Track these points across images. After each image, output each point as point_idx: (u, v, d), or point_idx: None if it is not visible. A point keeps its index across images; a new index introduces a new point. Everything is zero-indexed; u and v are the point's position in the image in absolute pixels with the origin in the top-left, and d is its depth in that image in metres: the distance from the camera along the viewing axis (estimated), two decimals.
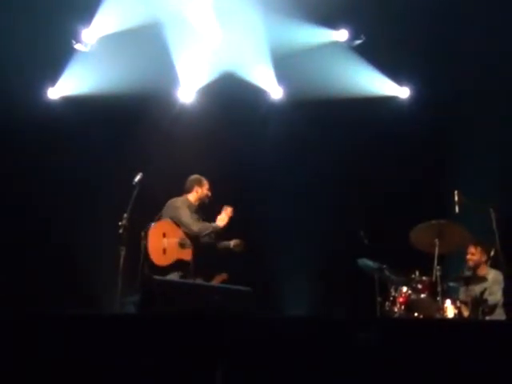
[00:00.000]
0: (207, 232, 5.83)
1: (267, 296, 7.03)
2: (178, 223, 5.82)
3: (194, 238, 5.82)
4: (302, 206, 7.76)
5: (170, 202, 5.97)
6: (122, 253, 5.47)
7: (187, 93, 7.97)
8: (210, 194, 6.13)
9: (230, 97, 7.78)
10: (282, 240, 7.55)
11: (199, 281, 7.01)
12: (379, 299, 6.12)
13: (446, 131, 7.68)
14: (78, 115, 7.59)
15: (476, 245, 6.24)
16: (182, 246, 5.77)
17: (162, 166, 7.34)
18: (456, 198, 5.83)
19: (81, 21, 7.33)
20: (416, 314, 5.78)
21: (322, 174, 7.83)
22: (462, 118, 7.54)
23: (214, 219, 6.03)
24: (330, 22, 7.73)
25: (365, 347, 3.58)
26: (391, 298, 6.00)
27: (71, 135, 7.55)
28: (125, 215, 5.64)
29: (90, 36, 7.44)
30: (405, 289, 5.94)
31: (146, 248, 5.60)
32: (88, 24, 7.36)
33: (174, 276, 5.67)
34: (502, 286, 6.01)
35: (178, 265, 5.71)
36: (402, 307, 5.84)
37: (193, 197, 6.08)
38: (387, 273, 6.19)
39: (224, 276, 7.28)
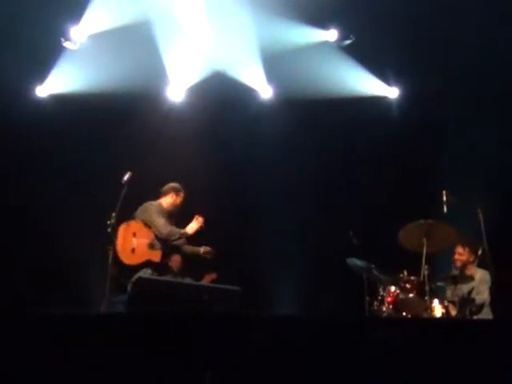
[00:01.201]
0: (175, 237, 5.82)
1: (256, 295, 7.04)
2: (149, 225, 5.82)
3: (163, 241, 5.83)
4: (291, 205, 7.77)
5: (144, 204, 5.96)
6: (111, 252, 5.48)
7: (177, 91, 7.96)
8: (180, 205, 6.13)
9: (220, 96, 7.78)
10: (271, 239, 7.56)
11: (188, 280, 7.04)
12: (368, 298, 6.14)
13: (435, 131, 7.72)
14: (66, 113, 7.55)
15: (464, 245, 6.28)
16: (151, 247, 5.77)
17: (151, 165, 7.32)
18: (444, 198, 5.86)
19: (70, 18, 7.30)
20: (404, 314, 5.80)
21: (311, 174, 7.85)
22: (451, 117, 7.59)
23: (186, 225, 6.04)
24: (320, 22, 7.75)
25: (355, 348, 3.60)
26: (380, 298, 6.02)
27: (59, 133, 7.50)
28: (113, 214, 5.63)
29: (79, 34, 7.40)
30: (393, 288, 5.97)
31: (114, 247, 5.59)
32: (77, 22, 7.33)
33: (143, 273, 5.63)
34: (488, 285, 6.06)
35: (147, 265, 5.70)
36: (391, 306, 5.86)
37: (166, 202, 6.09)
38: (376, 272, 6.21)
39: (213, 275, 7.31)
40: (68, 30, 7.37)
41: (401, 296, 5.90)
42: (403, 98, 8.11)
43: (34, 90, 7.74)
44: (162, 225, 5.81)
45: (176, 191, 6.11)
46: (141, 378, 3.38)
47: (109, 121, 7.63)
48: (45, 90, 7.76)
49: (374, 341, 3.70)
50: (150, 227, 5.84)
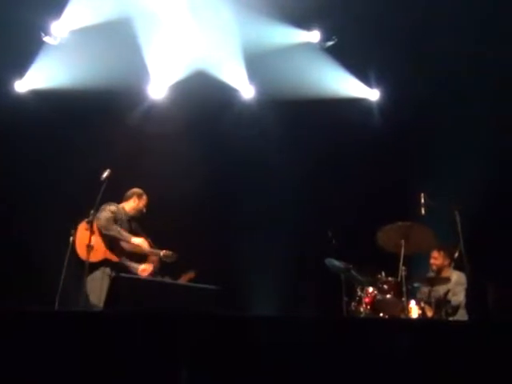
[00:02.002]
0: (112, 233, 5.77)
1: (234, 295, 7.03)
2: None
3: (121, 240, 5.82)
4: (270, 205, 7.77)
5: (106, 203, 5.94)
6: (89, 249, 5.46)
7: (158, 89, 7.91)
8: (144, 210, 6.17)
9: (202, 94, 7.75)
10: (249, 239, 7.55)
11: (167, 279, 7.01)
12: (346, 299, 6.17)
13: (415, 133, 7.78)
14: (46, 109, 7.47)
15: (439, 249, 6.39)
16: (109, 246, 5.78)
17: (130, 163, 7.28)
18: (422, 200, 5.92)
19: (50, 13, 7.21)
20: (381, 314, 5.84)
21: (291, 174, 7.87)
22: (430, 120, 7.67)
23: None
24: (303, 23, 7.77)
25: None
26: (357, 298, 6.06)
27: (38, 129, 7.42)
28: (92, 211, 5.60)
29: (59, 29, 7.32)
30: (371, 289, 6.01)
31: (73, 244, 5.62)
32: (58, 17, 7.25)
33: (100, 272, 5.63)
34: (464, 287, 6.14)
35: (105, 264, 5.73)
36: (368, 307, 5.90)
37: (128, 206, 6.14)
38: (354, 273, 6.25)
39: (191, 274, 7.30)
40: (48, 24, 7.28)
41: (378, 297, 5.94)
42: (384, 100, 8.17)
43: (13, 85, 7.64)
44: (105, 218, 5.79)
45: (138, 195, 6.17)
46: (116, 377, 3.36)
47: (88, 117, 7.55)
48: (24, 85, 7.66)
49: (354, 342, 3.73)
50: None
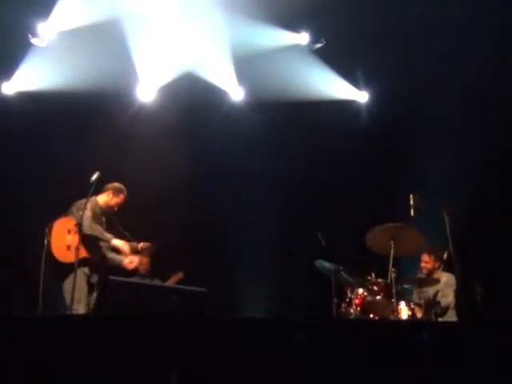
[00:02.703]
0: (95, 234, 5.67)
1: (224, 296, 7.02)
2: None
3: (97, 238, 5.72)
4: (260, 206, 7.77)
5: (80, 200, 5.79)
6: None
7: (147, 91, 7.88)
8: (116, 208, 5.99)
9: (191, 97, 7.74)
10: (239, 240, 7.55)
11: (157, 281, 7.00)
12: (335, 300, 6.15)
13: (403, 134, 7.82)
14: (33, 111, 7.40)
15: (429, 253, 6.41)
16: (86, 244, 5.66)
17: (118, 165, 7.24)
18: (411, 201, 5.93)
19: (38, 15, 7.16)
20: (371, 316, 5.85)
21: (281, 175, 7.88)
22: (419, 121, 7.71)
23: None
24: (292, 25, 7.79)
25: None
26: (347, 300, 6.06)
27: (26, 131, 7.38)
28: (80, 213, 5.55)
29: (47, 31, 7.27)
30: (361, 290, 6.01)
31: (48, 244, 5.49)
32: (45, 18, 7.20)
33: (79, 271, 5.48)
34: (453, 288, 6.16)
35: (84, 262, 5.58)
36: (358, 308, 5.90)
37: (102, 199, 5.97)
38: (344, 274, 6.25)
39: (180, 275, 7.30)
40: (36, 26, 7.23)
41: (368, 298, 5.95)
42: (373, 101, 8.20)
43: (0, 87, 7.59)
44: (87, 217, 5.65)
45: (115, 191, 5.99)
46: (106, 379, 3.34)
47: (76, 120, 7.51)
48: (11, 87, 7.60)
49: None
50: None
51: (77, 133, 7.49)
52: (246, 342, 3.57)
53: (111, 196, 5.98)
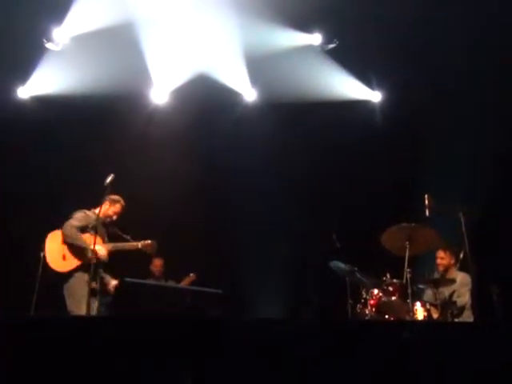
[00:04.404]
0: (71, 240, 5.66)
1: (238, 298, 7.03)
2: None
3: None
4: (274, 208, 7.77)
5: (74, 212, 5.87)
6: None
7: (160, 94, 7.93)
8: (115, 217, 6.05)
9: (204, 98, 7.77)
10: (254, 242, 7.55)
11: (171, 283, 7.03)
12: (351, 301, 6.14)
13: (418, 135, 7.78)
14: (48, 115, 7.49)
15: (445, 249, 6.36)
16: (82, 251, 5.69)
17: (133, 168, 7.28)
18: (426, 202, 5.90)
19: (52, 20, 7.23)
20: (387, 316, 5.82)
21: (295, 176, 7.87)
22: (434, 121, 7.66)
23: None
24: (304, 26, 7.78)
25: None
26: (362, 301, 6.03)
27: (41, 135, 7.45)
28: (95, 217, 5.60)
29: (61, 35, 7.35)
30: (376, 291, 5.98)
31: (44, 256, 5.58)
32: (60, 23, 7.27)
33: (76, 279, 5.55)
34: (469, 287, 6.11)
35: (81, 269, 5.62)
36: (373, 309, 5.87)
37: (100, 210, 5.97)
38: (359, 275, 6.23)
39: (193, 277, 7.33)
40: (50, 31, 7.30)
41: (383, 299, 5.92)
42: (386, 101, 8.17)
43: (15, 92, 7.66)
44: (68, 225, 5.70)
45: (112, 201, 6.05)
46: (122, 380, 3.36)
47: (91, 123, 7.57)
48: (27, 91, 7.68)
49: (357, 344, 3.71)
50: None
51: (91, 136, 7.54)
52: (262, 344, 3.57)
53: (107, 206, 6.02)
